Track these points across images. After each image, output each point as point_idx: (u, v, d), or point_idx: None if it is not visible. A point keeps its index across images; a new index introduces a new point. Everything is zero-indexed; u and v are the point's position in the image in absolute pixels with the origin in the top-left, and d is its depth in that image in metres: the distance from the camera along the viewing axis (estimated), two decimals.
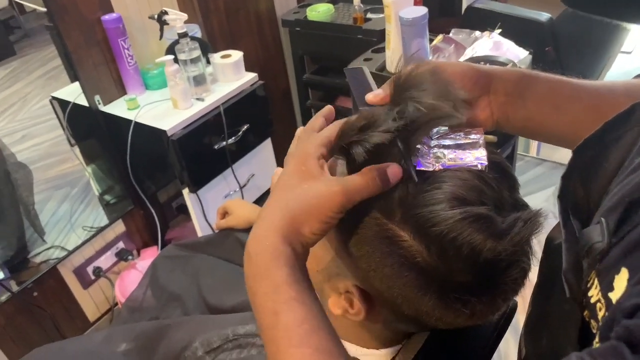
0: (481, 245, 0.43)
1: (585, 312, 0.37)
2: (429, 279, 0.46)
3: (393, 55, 1.49)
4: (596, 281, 0.35)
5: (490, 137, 0.53)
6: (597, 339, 0.32)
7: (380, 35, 1.71)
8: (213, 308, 0.97)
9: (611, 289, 0.33)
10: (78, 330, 1.86)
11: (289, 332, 0.42)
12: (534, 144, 2.58)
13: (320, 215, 0.45)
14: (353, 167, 0.47)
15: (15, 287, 1.67)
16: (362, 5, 1.93)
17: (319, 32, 2.04)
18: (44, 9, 1.70)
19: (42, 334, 1.72)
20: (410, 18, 1.35)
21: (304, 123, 0.53)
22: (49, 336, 1.72)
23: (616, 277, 0.32)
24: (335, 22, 2.01)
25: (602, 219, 0.35)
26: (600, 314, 0.34)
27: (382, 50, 1.60)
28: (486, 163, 0.46)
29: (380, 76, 1.51)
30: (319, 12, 2.03)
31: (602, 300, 0.34)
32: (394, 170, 0.45)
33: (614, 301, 0.32)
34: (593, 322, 0.36)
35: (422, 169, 0.46)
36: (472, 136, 0.48)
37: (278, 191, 0.47)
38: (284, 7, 2.19)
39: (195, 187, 1.67)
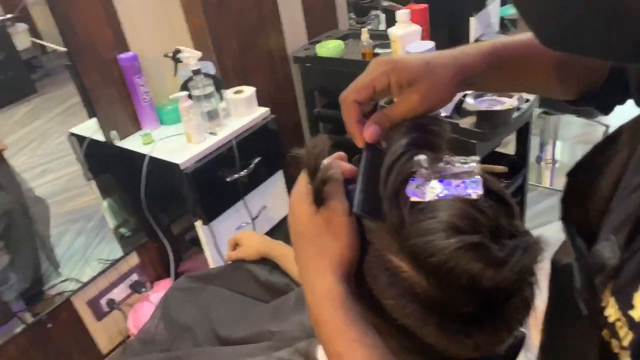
0: (480, 274, 0.43)
1: (604, 332, 0.37)
2: (430, 310, 0.46)
3: None
4: (612, 299, 0.35)
5: (500, 168, 0.54)
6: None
7: None
8: (223, 340, 0.97)
9: (631, 307, 0.33)
10: None
11: None
12: (546, 175, 2.56)
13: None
14: None
15: (29, 319, 1.68)
16: (370, 41, 1.97)
17: (328, 68, 2.08)
18: (64, 49, 1.77)
19: None
20: (416, 53, 1.38)
21: None
22: None
23: (635, 294, 0.32)
24: (344, 58, 2.05)
25: (612, 236, 0.36)
26: (622, 332, 0.34)
27: None
28: (481, 192, 0.46)
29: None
30: (328, 49, 2.07)
31: (623, 319, 0.34)
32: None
33: (636, 319, 0.32)
34: (614, 342, 0.35)
35: (417, 199, 0.46)
36: (468, 165, 0.48)
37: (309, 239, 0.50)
38: (294, 44, 2.24)
39: (207, 219, 1.68)
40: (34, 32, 2.09)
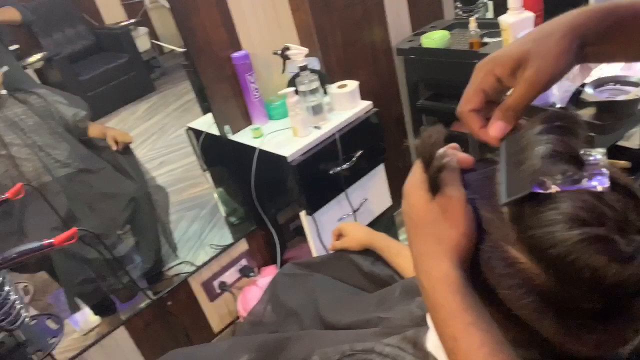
0: (605, 269, 0.41)
1: None
2: (548, 303, 0.45)
3: None
4: None
5: (623, 163, 0.52)
6: None
7: None
8: (329, 325, 1.01)
9: None
10: (203, 339, 2.01)
11: (469, 356, 0.44)
12: None
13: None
14: None
15: (152, 296, 1.86)
16: (478, 30, 1.91)
17: (433, 59, 2.05)
18: (182, 50, 1.91)
19: (173, 340, 1.88)
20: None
21: None
22: (179, 342, 1.87)
23: None
24: (450, 48, 2.01)
25: None
26: None
27: None
28: (607, 184, 0.44)
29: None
30: (433, 39, 2.04)
31: None
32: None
33: None
34: None
35: (539, 190, 0.45)
36: (593, 157, 0.46)
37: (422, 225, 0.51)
38: (398, 36, 2.23)
39: (311, 210, 1.74)
40: (152, 34, 2.29)
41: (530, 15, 1.50)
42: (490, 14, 2.30)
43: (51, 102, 1.84)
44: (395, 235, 2.15)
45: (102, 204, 1.83)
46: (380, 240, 1.16)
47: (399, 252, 1.11)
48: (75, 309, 1.77)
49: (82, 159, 1.81)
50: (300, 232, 1.96)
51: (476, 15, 2.20)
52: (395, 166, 2.01)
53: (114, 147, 1.87)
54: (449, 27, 2.18)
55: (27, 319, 1.29)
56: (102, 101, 2.37)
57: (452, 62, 1.95)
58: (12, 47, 1.88)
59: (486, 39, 1.93)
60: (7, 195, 1.36)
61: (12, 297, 1.23)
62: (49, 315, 1.44)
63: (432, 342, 0.62)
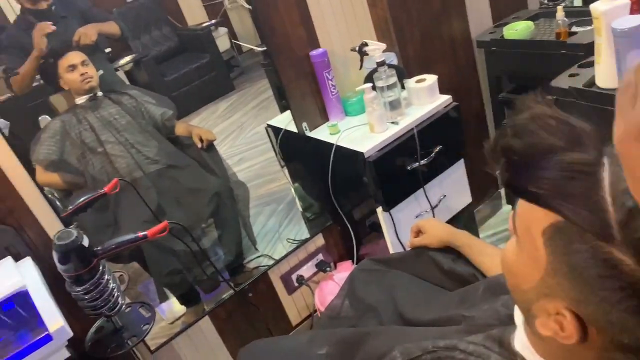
0: None
1: None
2: None
3: (604, 69, 1.38)
4: None
5: None
6: None
7: (588, 49, 1.58)
8: (409, 321, 1.01)
9: None
10: (282, 331, 2.07)
11: None
12: None
13: None
14: None
15: (234, 288, 1.94)
16: (565, 19, 1.81)
17: (517, 51, 1.98)
18: (261, 49, 1.97)
19: (254, 330, 1.96)
20: (626, 28, 1.24)
21: None
22: (259, 332, 1.94)
23: None
24: (535, 39, 1.93)
25: None
26: None
27: (590, 64, 1.48)
28: None
29: (588, 92, 1.41)
30: (516, 30, 1.96)
31: None
32: None
33: None
34: None
35: None
36: None
37: None
38: (478, 28, 2.17)
39: (388, 206, 1.74)
40: (231, 34, 2.37)
41: (625, 1, 1.40)
42: (578, 2, 2.19)
43: (141, 102, 1.97)
44: (475, 233, 2.10)
45: (188, 199, 1.94)
46: (461, 238, 1.15)
47: (481, 250, 1.09)
48: (163, 298, 1.89)
49: (169, 156, 1.93)
50: (376, 228, 1.96)
51: (563, 4, 2.10)
52: (475, 161, 1.96)
53: (199, 145, 1.97)
54: (532, 17, 2.09)
55: (123, 306, 1.40)
56: (185, 100, 2.48)
57: (536, 53, 1.88)
58: (106, 50, 2.03)
59: (575, 28, 1.83)
60: (105, 189, 1.48)
61: (111, 285, 1.34)
62: (141, 304, 1.55)
63: (519, 341, 0.61)
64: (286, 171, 2.15)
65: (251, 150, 2.36)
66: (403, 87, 1.83)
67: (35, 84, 1.96)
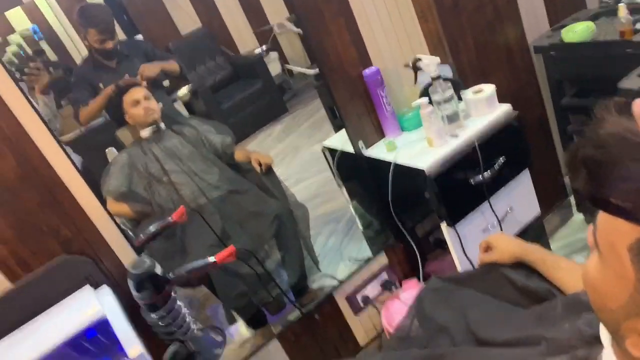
0: None
1: None
2: None
3: None
4: None
5: None
6: None
7: None
8: (483, 341, 0.99)
9: None
10: (350, 352, 2.06)
11: None
12: None
13: None
14: None
15: (300, 310, 1.95)
16: (629, 17, 1.75)
17: (578, 54, 1.91)
18: (311, 72, 2.01)
19: (322, 352, 1.96)
20: None
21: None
22: (327, 355, 1.95)
23: None
24: (597, 40, 1.86)
25: None
26: None
27: None
28: None
29: None
30: (575, 32, 1.90)
31: None
32: None
33: None
34: None
35: None
36: None
37: None
38: (535, 32, 2.12)
39: (452, 221, 1.71)
40: (282, 58, 2.43)
41: None
42: None
43: (202, 131, 2.05)
44: (546, 245, 2.03)
45: (250, 222, 1.99)
46: (534, 252, 1.12)
47: (556, 265, 1.05)
48: (232, 321, 1.93)
49: (230, 181, 1.99)
50: (440, 244, 1.93)
51: (626, 1, 2.02)
52: (541, 171, 1.91)
53: (258, 169, 2.03)
54: (592, 17, 2.02)
55: (195, 331, 1.44)
56: (241, 126, 2.55)
57: (599, 55, 1.81)
58: (164, 83, 2.13)
59: None
60: (173, 218, 1.54)
61: (183, 310, 1.39)
62: (212, 328, 1.59)
63: None
64: (344, 190, 2.16)
65: (307, 171, 2.39)
66: (460, 99, 1.81)
67: (101, 119, 2.09)
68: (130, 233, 1.65)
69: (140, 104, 1.84)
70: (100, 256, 1.53)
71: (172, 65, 1.97)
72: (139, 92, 1.85)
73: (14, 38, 1.61)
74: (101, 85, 1.92)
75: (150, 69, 1.88)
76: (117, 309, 1.37)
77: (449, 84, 1.70)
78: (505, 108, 1.76)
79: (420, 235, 2.08)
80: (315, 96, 2.13)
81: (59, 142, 1.46)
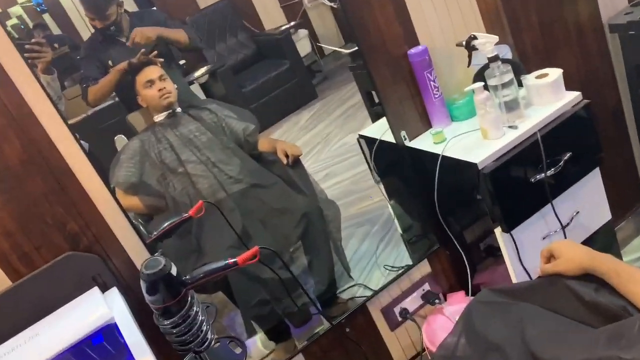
0: None
1: None
2: None
3: None
4: None
5: None
6: None
7: None
8: None
9: None
10: None
11: None
12: None
13: None
14: None
15: (328, 321, 1.97)
16: None
17: None
18: (346, 51, 2.01)
19: None
20: None
21: None
22: None
23: None
24: None
25: None
26: None
27: None
28: None
29: None
30: None
31: None
32: None
33: None
34: None
35: None
36: None
37: None
38: (610, 9, 2.10)
39: (508, 226, 1.70)
40: (312, 36, 2.44)
41: None
42: None
43: (222, 117, 2.08)
44: (617, 255, 2.00)
45: (274, 220, 2.02)
46: (605, 263, 1.11)
47: (632, 278, 1.05)
48: (252, 332, 1.96)
49: (253, 174, 2.02)
50: (493, 252, 1.93)
51: None
52: (614, 170, 1.89)
53: (285, 161, 2.05)
54: None
55: (212, 341, 1.47)
56: (265, 112, 2.58)
57: None
58: (181, 62, 2.16)
59: None
60: (190, 213, 1.58)
61: (200, 317, 1.41)
62: (231, 339, 1.62)
63: None
64: (382, 187, 2.17)
65: (339, 164, 2.40)
66: (520, 85, 1.80)
67: (109, 102, 2.14)
68: (143, 229, 1.70)
69: (155, 84, 1.88)
70: (110, 254, 1.57)
71: (177, 34, 1.97)
72: (153, 72, 1.90)
73: (15, 10, 1.66)
74: (110, 62, 1.97)
75: (144, 33, 1.90)
76: (127, 313, 1.41)
77: (509, 67, 1.69)
78: (573, 96, 1.74)
79: (469, 241, 2.07)
80: (349, 79, 2.14)
81: (67, 124, 1.51)
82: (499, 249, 1.78)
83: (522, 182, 1.68)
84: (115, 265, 1.58)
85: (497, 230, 1.74)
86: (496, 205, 1.67)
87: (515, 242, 1.72)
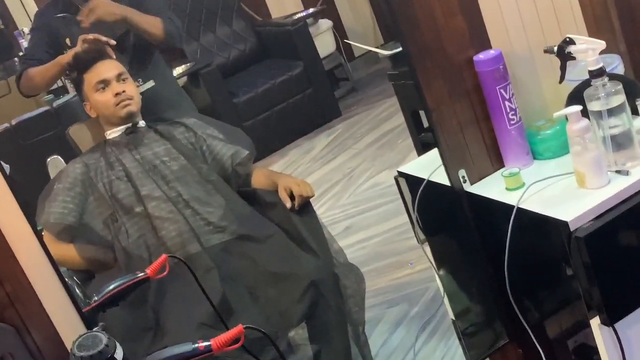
0: None
1: None
2: None
3: None
4: None
5: None
6: None
7: None
8: None
9: None
10: None
11: None
12: None
13: None
14: None
15: None
16: None
17: None
18: (387, 52, 2.00)
19: None
20: None
21: None
22: None
23: None
24: None
25: None
26: None
27: None
28: None
29: None
30: None
31: None
32: None
33: None
34: None
35: None
36: None
37: None
38: None
39: (611, 318, 1.66)
40: (338, 29, 2.43)
41: None
42: None
43: (202, 136, 2.08)
44: None
45: (268, 290, 1.99)
46: None
47: None
48: None
49: (241, 220, 2.00)
50: (587, 352, 1.88)
51: None
52: None
53: (289, 204, 2.03)
54: None
55: None
56: (264, 133, 2.57)
57: None
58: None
59: None
60: (148, 272, 1.55)
61: None
62: None
63: None
64: (428, 250, 2.15)
65: (367, 214, 2.39)
66: (636, 112, 1.78)
67: (43, 109, 2.15)
68: (79, 292, 1.67)
69: (110, 87, 1.89)
70: (29, 325, 1.54)
71: (150, 22, 2.00)
72: (109, 68, 1.91)
73: None
74: (68, 42, 1.98)
75: (107, 7, 1.91)
76: None
77: (619, 86, 1.68)
78: None
79: (552, 335, 2.05)
80: (387, 92, 2.15)
81: None
82: (596, 349, 1.75)
83: (633, 253, 1.67)
84: (35, 341, 1.55)
85: (594, 322, 1.70)
86: (594, 286, 1.63)
87: (620, 341, 1.68)
